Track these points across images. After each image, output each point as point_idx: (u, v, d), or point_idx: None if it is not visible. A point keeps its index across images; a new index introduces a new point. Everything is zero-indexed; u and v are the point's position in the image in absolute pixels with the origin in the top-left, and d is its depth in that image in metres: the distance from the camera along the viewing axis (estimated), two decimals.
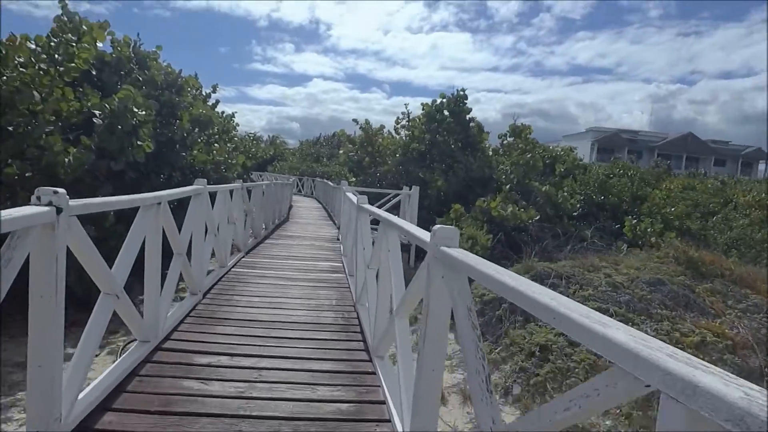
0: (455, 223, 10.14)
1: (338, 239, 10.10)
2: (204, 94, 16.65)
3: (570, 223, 11.75)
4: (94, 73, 9.09)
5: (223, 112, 17.37)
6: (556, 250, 9.65)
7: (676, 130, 56.69)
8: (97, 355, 4.71)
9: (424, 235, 2.17)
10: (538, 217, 10.10)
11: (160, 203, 3.27)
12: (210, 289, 5.05)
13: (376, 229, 4.67)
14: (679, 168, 39.12)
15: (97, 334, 2.50)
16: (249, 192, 8.89)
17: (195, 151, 10.82)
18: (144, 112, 7.77)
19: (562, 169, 15.20)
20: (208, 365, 3.15)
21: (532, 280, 2.01)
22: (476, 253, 1.84)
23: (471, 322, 1.71)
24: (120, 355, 3.44)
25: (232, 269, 6.20)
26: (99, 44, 8.53)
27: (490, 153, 14.11)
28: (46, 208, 1.91)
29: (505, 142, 14.61)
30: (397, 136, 17.46)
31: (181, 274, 4.03)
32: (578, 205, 11.87)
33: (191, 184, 9.96)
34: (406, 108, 16.95)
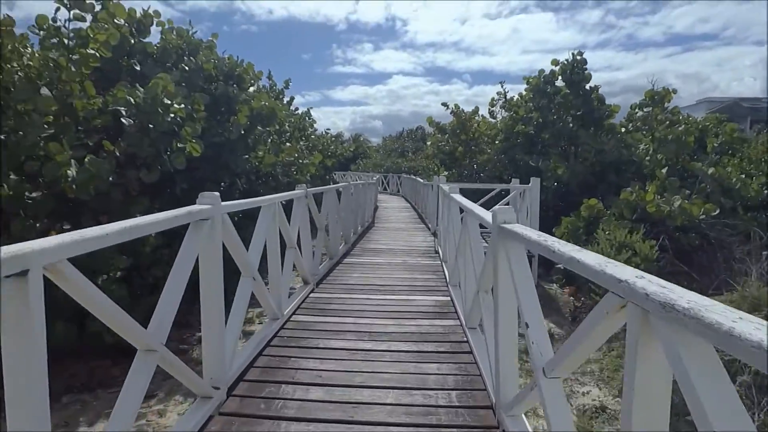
0: (595, 225, 7.52)
1: (437, 252, 7.90)
2: (277, 90, 15.29)
3: (748, 216, 8.59)
4: (138, 68, 7.66)
5: (296, 109, 15.87)
6: (749, 259, 6.71)
7: None
8: None
9: None
10: (717, 212, 7.18)
11: None
12: (242, 374, 3.02)
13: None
14: None
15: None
16: (321, 199, 6.95)
17: (260, 153, 9.14)
18: (182, 106, 6.07)
19: (715, 145, 11.79)
20: None
21: None
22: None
23: None
24: None
25: (291, 318, 4.20)
26: (121, 23, 6.92)
27: (622, 130, 11.08)
28: None
29: (639, 114, 11.48)
30: (494, 120, 14.86)
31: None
32: (765, 191, 8.66)
33: (258, 192, 8.06)
34: (502, 87, 14.27)
